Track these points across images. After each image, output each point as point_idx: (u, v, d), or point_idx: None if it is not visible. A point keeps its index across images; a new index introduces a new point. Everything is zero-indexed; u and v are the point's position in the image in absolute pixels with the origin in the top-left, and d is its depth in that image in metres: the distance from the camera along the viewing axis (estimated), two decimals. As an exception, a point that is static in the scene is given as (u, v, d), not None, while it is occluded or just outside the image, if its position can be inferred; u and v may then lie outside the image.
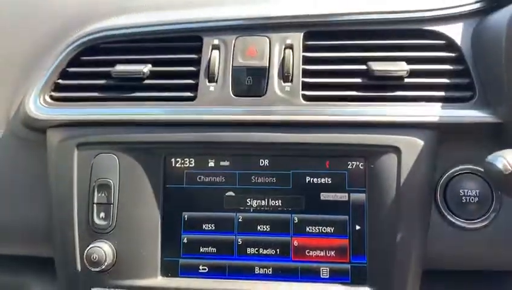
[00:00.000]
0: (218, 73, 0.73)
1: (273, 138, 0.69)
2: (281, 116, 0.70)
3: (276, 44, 0.74)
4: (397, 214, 0.67)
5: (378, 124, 0.69)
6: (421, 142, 0.68)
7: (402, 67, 0.71)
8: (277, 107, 0.71)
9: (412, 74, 0.71)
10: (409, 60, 0.72)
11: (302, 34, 0.75)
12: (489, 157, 0.54)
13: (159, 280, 0.70)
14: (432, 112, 0.69)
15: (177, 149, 0.72)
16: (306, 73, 0.73)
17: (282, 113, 0.70)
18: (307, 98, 0.72)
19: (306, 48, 0.75)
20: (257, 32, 0.76)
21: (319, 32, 0.76)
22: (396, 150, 0.67)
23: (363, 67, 0.72)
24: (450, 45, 0.73)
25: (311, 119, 0.69)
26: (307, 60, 0.74)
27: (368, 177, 0.69)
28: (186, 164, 0.72)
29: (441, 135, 0.69)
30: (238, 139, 0.70)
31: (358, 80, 0.72)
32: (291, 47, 0.74)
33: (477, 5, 0.75)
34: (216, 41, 0.75)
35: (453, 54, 0.73)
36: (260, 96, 0.72)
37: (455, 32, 0.74)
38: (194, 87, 0.73)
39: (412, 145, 0.68)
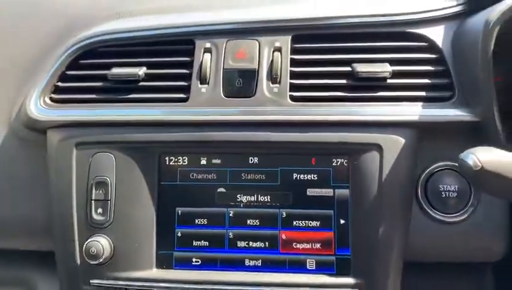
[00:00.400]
0: (209, 75, 0.76)
1: (262, 137, 0.73)
2: (269, 116, 0.73)
3: (265, 47, 0.78)
4: (379, 209, 0.70)
5: (361, 123, 0.72)
6: (402, 140, 0.71)
7: (385, 68, 0.74)
8: (266, 108, 0.74)
9: (395, 74, 0.75)
10: (393, 62, 0.76)
11: (290, 37, 0.78)
12: (462, 154, 0.57)
13: (154, 272, 0.74)
14: (413, 111, 0.72)
15: (171, 148, 0.75)
16: (294, 75, 0.76)
17: (270, 114, 0.73)
18: (294, 98, 0.75)
19: (294, 51, 0.78)
20: (247, 36, 0.79)
21: (307, 35, 0.79)
22: (378, 148, 0.71)
23: (348, 68, 0.75)
24: (431, 47, 0.76)
25: (297, 119, 0.73)
26: (294, 62, 0.77)
27: (352, 173, 0.72)
28: (180, 162, 0.75)
29: (421, 133, 0.72)
30: (228, 138, 0.73)
31: (344, 81, 0.75)
32: (279, 50, 0.78)
33: (458, 8, 0.78)
34: (208, 45, 0.79)
35: (434, 56, 0.76)
36: (250, 97, 0.75)
37: (437, 34, 0.77)
38: (186, 89, 0.77)
39: (394, 143, 0.71)
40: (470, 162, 0.55)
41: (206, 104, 0.75)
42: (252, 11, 0.82)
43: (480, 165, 0.55)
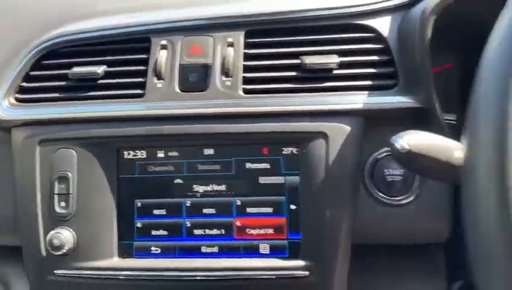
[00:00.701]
0: (165, 71, 0.79)
1: (215, 129, 0.76)
2: (222, 108, 0.76)
3: (220, 42, 0.81)
4: (327, 194, 0.73)
5: (308, 112, 0.75)
6: (347, 128, 0.74)
7: (332, 59, 0.77)
8: (218, 101, 0.77)
9: (342, 65, 0.78)
10: (341, 53, 0.79)
11: (243, 32, 0.81)
12: (392, 138, 0.60)
13: (116, 261, 0.77)
14: (358, 100, 0.75)
15: (129, 142, 0.79)
16: (247, 68, 0.79)
17: (223, 106, 0.77)
18: (246, 91, 0.78)
19: (247, 45, 0.81)
20: (202, 32, 0.82)
21: (259, 30, 0.82)
22: (324, 136, 0.74)
23: (298, 61, 0.78)
24: (377, 38, 0.79)
25: (248, 111, 0.76)
26: (247, 57, 0.80)
27: (301, 161, 0.75)
28: (138, 155, 0.79)
29: (366, 120, 0.75)
30: (183, 131, 0.77)
31: (293, 73, 0.79)
32: (233, 45, 0.81)
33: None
34: (163, 42, 0.82)
35: (380, 46, 0.79)
36: (204, 91, 0.78)
37: (383, 25, 0.80)
38: (143, 85, 0.80)
39: (339, 131, 0.74)
40: (397, 145, 0.58)
41: (161, 99, 0.78)
42: (207, 8, 0.84)
43: (407, 147, 0.58)
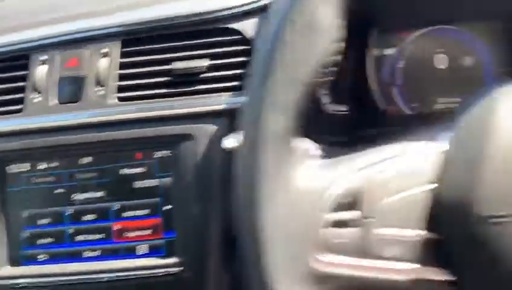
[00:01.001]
0: (42, 85, 0.83)
1: (88, 138, 0.80)
2: (92, 118, 0.80)
3: (96, 54, 0.84)
4: (197, 192, 0.77)
5: (176, 116, 0.78)
6: (213, 128, 0.78)
7: (200, 63, 0.80)
8: (92, 110, 0.81)
9: (211, 68, 0.81)
10: (211, 56, 0.82)
11: (119, 42, 0.85)
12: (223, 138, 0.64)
13: (7, 270, 0.81)
14: (222, 101, 0.79)
15: (12, 156, 0.82)
16: (123, 77, 0.83)
17: (94, 115, 0.80)
18: (122, 99, 0.82)
19: (124, 54, 0.84)
20: (80, 45, 0.85)
21: (135, 39, 0.85)
22: (192, 137, 0.77)
23: (170, 67, 0.82)
24: (243, 40, 0.82)
25: (117, 118, 0.79)
26: (124, 65, 0.84)
27: (174, 163, 0.79)
28: (21, 168, 0.82)
29: (231, 120, 0.78)
30: (59, 142, 0.80)
31: (166, 79, 0.82)
32: (109, 55, 0.84)
33: (267, 1, 0.84)
34: (43, 57, 0.85)
35: (246, 47, 0.82)
36: (78, 102, 0.81)
37: (248, 27, 0.83)
38: (21, 101, 0.83)
39: (205, 132, 0.78)
40: (222, 145, 0.62)
41: (39, 113, 0.82)
42: (85, 21, 0.87)
43: (234, 145, 0.62)
